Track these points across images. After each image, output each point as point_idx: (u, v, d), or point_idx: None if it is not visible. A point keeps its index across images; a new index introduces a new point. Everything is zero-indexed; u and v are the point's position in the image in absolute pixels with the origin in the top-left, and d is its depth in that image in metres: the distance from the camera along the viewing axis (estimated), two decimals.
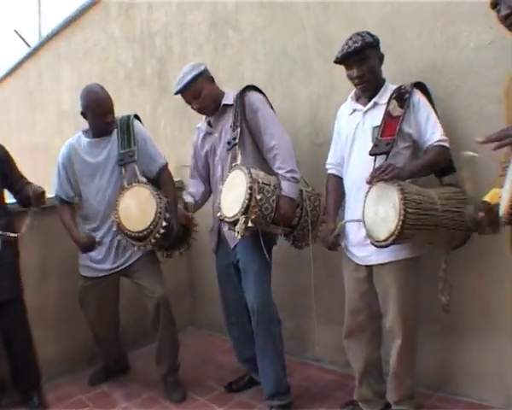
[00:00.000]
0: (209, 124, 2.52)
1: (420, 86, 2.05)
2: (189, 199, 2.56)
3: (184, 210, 2.50)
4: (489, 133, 1.85)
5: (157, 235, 2.44)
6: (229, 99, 2.44)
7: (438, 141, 1.97)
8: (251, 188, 2.11)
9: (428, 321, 2.24)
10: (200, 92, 2.37)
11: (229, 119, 2.42)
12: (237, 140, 2.30)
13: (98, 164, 2.58)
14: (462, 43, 2.07)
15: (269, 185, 2.20)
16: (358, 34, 2.02)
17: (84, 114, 2.55)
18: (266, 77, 2.79)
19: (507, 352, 2.10)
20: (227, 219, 2.21)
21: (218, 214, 2.29)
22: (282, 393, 2.37)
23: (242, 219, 2.11)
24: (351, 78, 2.08)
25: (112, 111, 2.55)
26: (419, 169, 1.95)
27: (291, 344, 2.73)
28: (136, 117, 2.68)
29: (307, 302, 2.65)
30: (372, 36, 2.02)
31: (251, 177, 2.14)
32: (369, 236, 1.95)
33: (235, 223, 2.17)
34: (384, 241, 1.87)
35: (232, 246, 2.42)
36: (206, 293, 3.39)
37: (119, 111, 2.63)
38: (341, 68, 2.11)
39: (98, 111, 2.49)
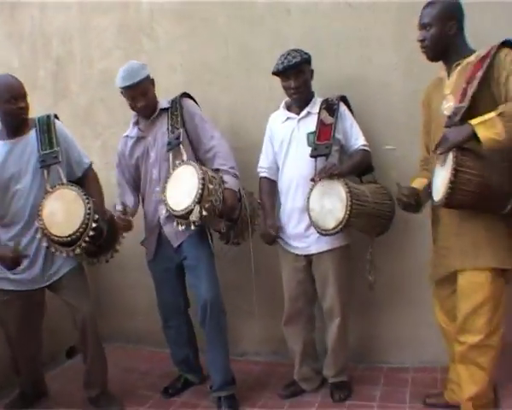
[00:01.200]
0: (139, 129, 2.56)
1: (343, 99, 2.42)
2: (118, 207, 2.54)
3: (121, 213, 2.48)
4: (399, 137, 2.35)
5: (86, 238, 2.35)
6: (163, 104, 2.55)
7: (362, 146, 2.38)
8: (203, 179, 2.26)
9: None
10: (147, 91, 2.46)
11: (163, 123, 2.53)
12: (181, 139, 2.42)
13: (18, 167, 2.42)
14: (375, 63, 2.50)
15: (215, 179, 2.36)
16: (296, 51, 2.32)
17: None
18: (184, 86, 2.89)
19: (420, 320, 2.59)
20: (177, 213, 2.31)
21: (164, 211, 2.39)
22: (230, 383, 2.53)
23: (197, 207, 2.22)
24: (287, 88, 2.36)
25: (25, 97, 2.40)
26: (350, 169, 2.33)
27: None
28: (56, 117, 2.57)
29: (231, 300, 2.82)
30: (307, 53, 2.33)
31: (201, 169, 2.29)
32: (315, 226, 2.26)
33: (185, 216, 2.27)
34: (333, 229, 2.20)
35: (176, 246, 2.50)
36: (113, 305, 3.33)
37: None
38: (261, 79, 2.41)
39: (9, 96, 2.33)
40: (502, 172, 1.82)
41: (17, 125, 2.43)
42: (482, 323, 1.91)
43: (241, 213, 2.51)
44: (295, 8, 2.66)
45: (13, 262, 2.36)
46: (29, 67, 3.46)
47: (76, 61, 3.33)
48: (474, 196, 1.80)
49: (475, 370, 1.94)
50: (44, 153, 2.43)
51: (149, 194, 2.59)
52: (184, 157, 2.42)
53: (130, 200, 2.62)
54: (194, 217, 2.25)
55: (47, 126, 2.48)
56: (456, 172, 1.76)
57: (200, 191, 2.25)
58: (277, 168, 2.52)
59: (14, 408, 2.69)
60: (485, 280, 1.90)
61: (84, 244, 2.37)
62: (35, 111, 3.29)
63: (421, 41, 2.00)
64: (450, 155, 1.80)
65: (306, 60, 2.32)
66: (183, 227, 2.33)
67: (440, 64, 2.06)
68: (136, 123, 2.61)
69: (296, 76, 2.32)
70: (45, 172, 2.42)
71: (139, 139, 2.58)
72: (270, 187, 2.53)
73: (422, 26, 1.98)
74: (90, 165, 2.63)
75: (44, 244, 2.39)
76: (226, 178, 2.43)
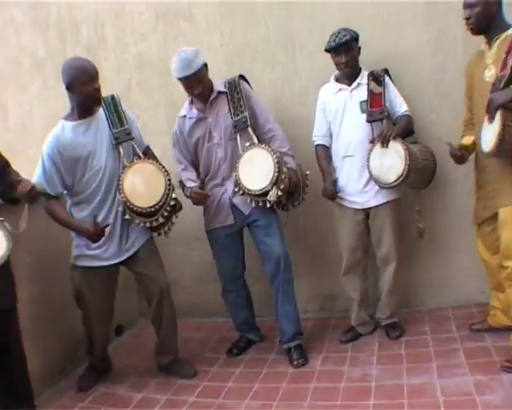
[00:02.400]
0: (198, 110, 2.84)
1: (386, 71, 2.86)
2: (192, 184, 2.84)
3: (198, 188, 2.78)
4: (427, 104, 2.80)
5: (168, 208, 2.65)
6: (220, 87, 2.84)
7: (405, 111, 2.82)
8: (278, 162, 2.60)
9: None
10: (203, 78, 2.72)
11: (223, 104, 2.81)
12: (249, 122, 2.73)
13: (92, 145, 2.63)
14: (407, 41, 2.96)
15: (284, 162, 2.70)
16: (345, 29, 2.71)
17: (69, 87, 2.54)
18: (226, 66, 3.23)
19: (453, 265, 3.06)
20: (252, 192, 2.63)
21: (236, 189, 2.70)
22: (300, 333, 2.88)
23: (274, 189, 2.57)
24: (339, 63, 2.75)
25: (98, 77, 2.59)
26: (401, 131, 2.74)
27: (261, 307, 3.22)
28: None
29: None
30: (355, 32, 2.73)
31: (275, 153, 2.63)
32: (377, 181, 2.67)
33: (261, 195, 2.61)
34: (394, 182, 2.62)
35: (247, 212, 2.81)
36: None
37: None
38: (301, 58, 2.86)
39: (86, 77, 2.51)
40: None
41: (92, 106, 2.63)
42: None
43: (298, 185, 2.85)
44: None
45: (96, 234, 2.57)
46: (57, 54, 3.63)
47: (108, 47, 3.55)
48: None
49: None
50: (117, 130, 2.67)
51: (214, 170, 2.87)
52: (255, 140, 2.73)
53: (194, 176, 2.90)
54: (272, 197, 2.60)
55: (114, 106, 2.71)
56: (504, 126, 2.21)
57: (276, 174, 2.59)
58: (330, 136, 2.91)
59: (87, 382, 2.90)
60: None
61: (165, 213, 2.65)
62: (61, 99, 3.52)
63: (467, 19, 2.43)
64: (498, 114, 2.25)
65: (355, 38, 2.72)
66: (260, 204, 2.67)
67: (469, 38, 2.52)
68: (191, 103, 2.88)
69: (346, 52, 2.71)
70: (121, 148, 2.66)
71: (200, 120, 2.84)
72: (326, 152, 2.92)
73: (468, 6, 2.41)
74: (148, 146, 2.88)
75: (127, 217, 2.63)
76: (287, 159, 2.77)
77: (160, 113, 3.44)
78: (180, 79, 2.72)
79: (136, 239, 2.74)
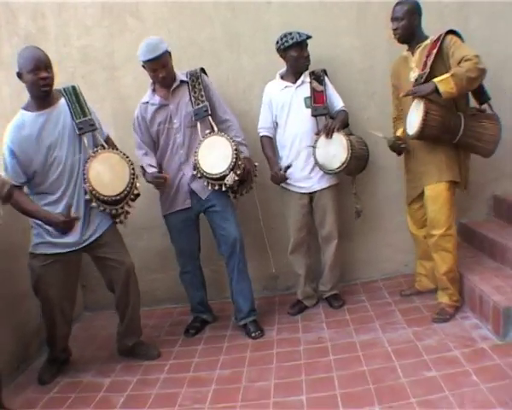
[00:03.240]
0: (161, 97, 3.08)
1: (325, 71, 3.33)
2: (153, 169, 3.07)
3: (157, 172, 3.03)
4: (357, 100, 3.32)
5: (132, 196, 2.86)
6: (182, 77, 3.11)
7: (342, 107, 3.30)
8: (236, 150, 2.94)
9: None
10: (167, 63, 2.98)
11: (184, 93, 3.09)
12: (209, 111, 3.04)
13: (52, 137, 2.72)
14: (341, 46, 3.46)
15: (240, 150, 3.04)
16: (298, 32, 3.11)
17: (19, 75, 2.63)
18: (173, 62, 3.46)
19: (380, 242, 3.62)
20: (210, 176, 2.93)
21: (195, 172, 2.98)
22: (254, 309, 3.22)
23: (231, 173, 2.90)
24: (300, 57, 3.13)
25: (51, 67, 2.68)
26: (341, 124, 3.22)
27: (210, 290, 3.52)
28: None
29: None
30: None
31: (233, 141, 2.97)
32: (322, 168, 3.12)
33: (219, 179, 2.93)
34: (337, 168, 3.09)
35: (204, 197, 3.10)
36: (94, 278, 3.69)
37: None
38: (247, 57, 3.36)
39: (32, 66, 2.59)
40: (453, 114, 2.89)
41: (42, 96, 2.69)
42: (444, 219, 2.92)
43: (249, 174, 3.20)
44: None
45: (67, 226, 2.67)
46: None
47: (50, 38, 3.61)
48: (437, 129, 2.80)
49: (444, 254, 2.96)
50: (79, 121, 2.79)
51: (172, 155, 3.12)
52: (215, 128, 3.04)
53: (154, 161, 3.13)
54: (229, 181, 2.92)
55: (75, 96, 2.83)
56: (426, 113, 2.76)
57: (234, 160, 2.91)
58: (275, 128, 3.30)
59: (48, 375, 2.96)
60: (445, 188, 2.92)
61: (130, 202, 2.85)
62: (3, 88, 3.55)
63: (395, 29, 2.97)
64: (421, 103, 2.81)
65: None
66: (216, 187, 2.97)
67: (392, 45, 3.09)
68: (154, 90, 3.12)
69: (306, 48, 3.13)
70: (84, 138, 2.81)
71: (161, 106, 3.08)
72: (271, 143, 3.31)
73: (395, 19, 2.96)
74: (108, 135, 3.04)
75: (93, 204, 2.78)
76: (242, 148, 3.10)
77: (105, 106, 3.56)
78: (145, 62, 2.94)
79: (99, 225, 2.87)
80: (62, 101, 2.81)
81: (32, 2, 3.62)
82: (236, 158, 2.93)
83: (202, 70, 3.17)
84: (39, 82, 2.62)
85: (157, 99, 3.09)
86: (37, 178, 2.75)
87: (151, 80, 3.11)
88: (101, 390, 2.79)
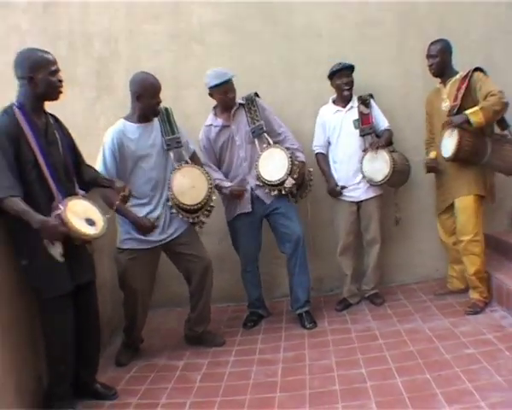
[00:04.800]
0: (224, 119, 3.83)
1: (371, 96, 4.12)
2: (228, 183, 3.82)
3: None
4: (397, 122, 4.10)
5: (208, 207, 3.54)
6: (240, 100, 3.87)
7: (387, 126, 4.08)
8: (291, 157, 3.69)
9: None
10: (234, 86, 3.74)
11: (242, 115, 3.84)
12: (264, 128, 3.80)
13: (147, 148, 3.42)
14: (382, 75, 4.27)
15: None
16: (341, 62, 3.92)
17: (138, 97, 3.36)
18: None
19: (413, 250, 4.38)
20: (271, 182, 3.68)
21: (258, 182, 3.73)
22: (309, 301, 3.93)
23: (289, 178, 3.66)
24: (341, 84, 3.93)
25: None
26: (385, 142, 4.00)
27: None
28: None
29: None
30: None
31: (288, 150, 3.72)
32: (368, 180, 3.89)
33: (279, 184, 3.68)
34: (381, 181, 3.87)
35: (268, 202, 3.83)
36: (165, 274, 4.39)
37: None
38: (300, 83, 4.10)
39: (153, 92, 3.35)
40: (481, 140, 3.68)
41: (152, 116, 3.45)
42: (472, 227, 3.66)
43: (305, 178, 3.96)
44: (325, 33, 4.29)
45: (148, 231, 3.40)
46: (67, 63, 4.33)
47: (121, 60, 4.37)
48: (468, 153, 3.57)
49: (473, 257, 3.68)
50: (168, 138, 3.50)
51: (236, 168, 3.85)
52: (270, 142, 3.79)
53: (222, 175, 3.86)
54: (288, 184, 3.67)
55: (167, 116, 3.55)
56: (460, 139, 3.56)
57: (290, 166, 3.66)
58: (327, 145, 4.08)
59: (125, 358, 3.61)
60: (472, 201, 3.67)
61: (206, 212, 3.54)
62: (70, 104, 4.27)
63: (430, 65, 3.77)
64: (455, 131, 3.59)
65: (353, 67, 3.95)
66: (276, 192, 3.71)
67: (427, 76, 3.87)
68: (215, 115, 3.87)
69: (348, 76, 3.92)
70: (171, 153, 3.52)
71: (223, 127, 3.83)
72: (325, 158, 4.10)
73: (430, 56, 3.76)
74: (195, 151, 3.76)
75: (173, 211, 3.46)
76: (298, 154, 3.86)
77: None
78: (216, 87, 3.67)
79: (179, 226, 3.55)
80: (156, 119, 3.52)
81: (107, 29, 4.38)
82: (292, 164, 3.67)
83: (256, 94, 3.92)
84: (156, 106, 3.38)
85: (219, 121, 3.83)
86: (126, 181, 3.35)
87: (214, 105, 3.85)
88: (178, 370, 3.44)
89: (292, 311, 3.99)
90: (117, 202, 3.06)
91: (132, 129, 3.42)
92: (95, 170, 3.24)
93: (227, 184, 3.81)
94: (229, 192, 3.78)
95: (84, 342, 3.01)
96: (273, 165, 3.70)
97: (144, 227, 3.39)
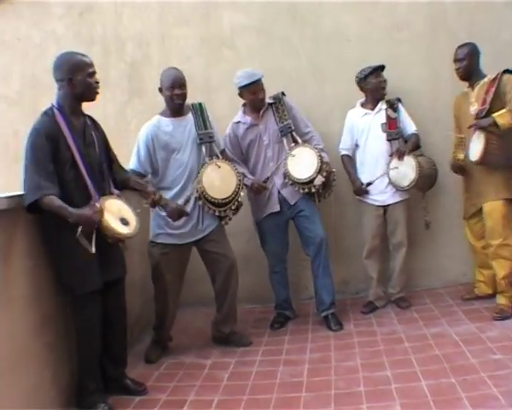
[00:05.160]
0: (252, 118, 3.91)
1: (399, 100, 4.14)
2: (251, 176, 3.89)
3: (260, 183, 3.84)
4: (425, 126, 4.11)
5: (236, 202, 3.61)
6: (268, 100, 3.94)
7: (414, 131, 4.11)
8: (320, 156, 3.75)
9: None
10: (263, 86, 3.82)
11: (270, 114, 3.92)
12: (293, 127, 3.86)
13: (181, 141, 3.55)
14: (411, 78, 4.29)
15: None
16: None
17: (160, 89, 3.52)
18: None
19: (440, 254, 4.39)
20: (300, 181, 3.72)
21: (286, 180, 3.79)
22: (334, 303, 3.98)
23: (319, 176, 3.71)
24: (379, 83, 3.99)
25: (185, 85, 3.55)
26: (412, 147, 4.02)
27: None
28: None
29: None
30: None
31: (317, 149, 3.78)
32: (394, 185, 3.92)
33: (308, 182, 3.72)
34: (407, 186, 3.89)
35: (293, 203, 3.90)
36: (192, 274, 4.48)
37: None
38: (329, 86, 4.15)
39: (174, 83, 3.46)
40: (509, 144, 3.66)
41: (176, 108, 3.55)
42: (501, 230, 3.66)
43: (329, 178, 3.98)
44: (354, 36, 4.33)
45: (178, 215, 3.45)
46: (101, 67, 4.47)
47: (153, 64, 4.49)
48: (495, 156, 3.56)
49: (502, 261, 3.68)
50: (201, 132, 3.61)
51: (263, 167, 3.92)
52: (299, 140, 3.86)
53: (247, 171, 3.92)
54: (318, 182, 3.72)
55: (200, 111, 3.67)
56: (487, 143, 3.56)
57: (319, 164, 3.72)
58: (354, 148, 4.12)
59: (155, 355, 3.70)
60: (501, 205, 3.67)
61: (233, 207, 3.61)
62: (102, 106, 4.39)
63: (457, 69, 3.78)
64: (482, 134, 3.59)
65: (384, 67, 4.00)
66: (306, 190, 3.77)
67: (455, 80, 3.87)
68: (244, 112, 3.95)
69: (381, 75, 3.98)
70: (203, 147, 3.62)
71: (252, 126, 3.91)
72: (351, 161, 4.15)
73: (458, 60, 3.77)
74: (225, 148, 3.86)
75: (200, 203, 3.55)
76: (324, 154, 3.91)
77: None
78: (246, 87, 3.76)
79: (210, 223, 3.65)
80: (190, 114, 3.64)
81: (139, 33, 4.51)
82: (321, 162, 3.73)
83: (283, 93, 3.98)
84: (173, 97, 3.49)
85: (248, 119, 3.92)
86: (161, 173, 3.55)
87: (243, 103, 3.94)
88: (205, 369, 3.52)
89: (317, 313, 4.04)
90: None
91: (166, 123, 3.56)
92: (127, 172, 3.34)
93: (250, 177, 3.88)
94: (251, 185, 3.83)
95: (111, 338, 3.11)
96: (302, 163, 3.76)
97: (171, 210, 3.43)
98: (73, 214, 2.65)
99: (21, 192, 2.69)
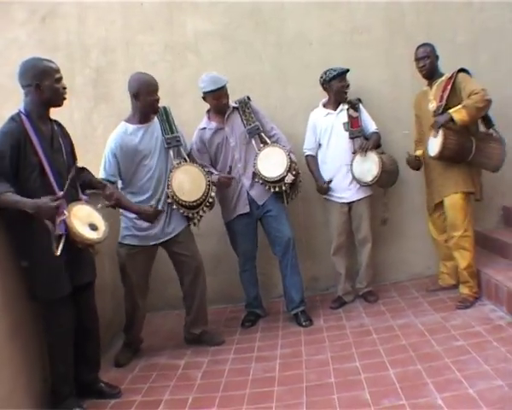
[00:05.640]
0: (217, 122, 3.98)
1: (359, 100, 4.28)
2: (215, 172, 3.94)
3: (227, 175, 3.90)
4: (386, 124, 4.26)
5: (207, 203, 3.69)
6: (233, 104, 4.02)
7: (375, 129, 4.25)
8: (289, 154, 3.86)
9: None
10: (227, 92, 3.90)
11: (236, 117, 4.00)
12: (261, 129, 3.96)
13: (149, 147, 3.58)
14: (372, 79, 4.44)
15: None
16: (337, 68, 4.09)
17: (136, 95, 3.51)
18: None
19: (405, 248, 4.54)
20: (271, 179, 3.82)
21: (256, 179, 3.88)
22: (304, 300, 4.07)
23: (289, 174, 3.81)
24: (342, 87, 4.11)
25: (158, 91, 3.58)
26: (373, 145, 4.15)
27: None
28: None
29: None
30: None
31: (286, 148, 3.89)
32: (358, 181, 4.04)
33: (278, 181, 3.82)
34: (370, 181, 4.03)
35: (261, 203, 3.99)
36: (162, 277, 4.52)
37: None
38: (293, 89, 4.27)
39: (151, 89, 3.50)
40: (466, 139, 3.83)
41: (151, 113, 3.60)
42: (461, 222, 3.81)
43: (296, 179, 4.08)
44: (315, 40, 4.46)
45: (153, 216, 3.49)
46: (64, 74, 4.48)
47: (118, 70, 4.52)
48: (453, 151, 3.73)
49: (464, 252, 3.83)
50: (168, 137, 3.66)
51: (231, 170, 3.98)
52: (268, 141, 3.95)
53: (211, 168, 3.98)
54: (288, 180, 3.82)
55: (166, 116, 3.72)
56: (445, 138, 3.71)
57: (289, 163, 3.83)
58: (317, 147, 4.24)
59: (125, 358, 3.72)
60: (460, 198, 3.82)
61: (205, 208, 3.68)
62: (67, 113, 4.41)
63: (422, 66, 3.92)
64: (440, 130, 3.75)
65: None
66: (276, 189, 3.86)
67: (415, 79, 4.06)
68: (209, 118, 4.02)
69: (346, 80, 4.10)
70: (171, 151, 3.67)
71: (217, 130, 3.98)
72: (315, 160, 4.26)
73: (421, 58, 3.92)
74: (191, 150, 3.92)
75: (173, 207, 3.61)
76: (291, 154, 4.02)
77: None
78: (210, 93, 3.83)
79: (176, 225, 3.69)
80: (155, 119, 3.68)
81: (103, 39, 4.53)
82: (291, 161, 3.84)
83: (248, 98, 4.08)
84: (155, 103, 3.54)
85: (213, 124, 3.99)
86: (130, 179, 3.58)
87: (207, 109, 4.00)
88: (179, 369, 3.56)
89: (287, 311, 4.12)
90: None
91: (134, 129, 3.58)
92: (89, 172, 3.32)
93: (215, 172, 3.94)
94: (218, 180, 3.87)
95: (84, 341, 3.12)
96: (272, 162, 3.86)
97: (148, 214, 3.48)
98: (31, 205, 2.62)
99: None
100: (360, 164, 4.06)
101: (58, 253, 2.69)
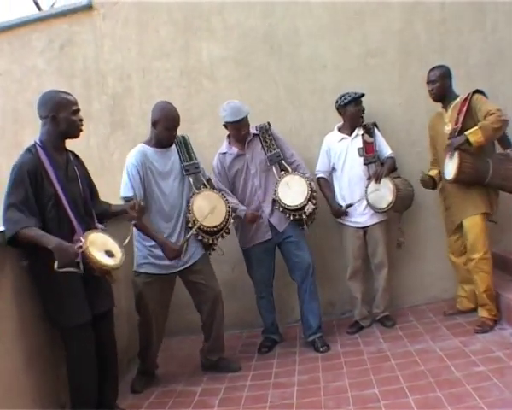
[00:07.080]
0: (238, 149, 4.03)
1: (375, 124, 4.31)
2: (243, 207, 3.98)
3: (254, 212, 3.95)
4: (400, 147, 4.29)
5: (227, 230, 3.72)
6: (254, 130, 4.07)
7: (390, 154, 4.27)
8: (310, 184, 3.90)
9: None
10: (248, 123, 3.95)
11: (256, 144, 4.05)
12: (282, 156, 4.00)
13: (166, 172, 3.62)
14: (386, 103, 4.47)
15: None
16: (354, 92, 4.13)
17: (154, 124, 3.57)
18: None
19: (421, 271, 4.52)
20: (292, 207, 3.85)
21: (277, 207, 3.91)
22: (321, 327, 4.06)
23: (309, 203, 3.84)
24: (357, 112, 4.14)
25: (178, 126, 3.63)
26: (388, 170, 4.17)
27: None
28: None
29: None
30: None
31: (306, 176, 3.91)
32: (372, 207, 4.06)
33: (299, 209, 3.85)
34: (385, 208, 4.04)
35: (281, 230, 4.01)
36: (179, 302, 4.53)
37: None
38: (307, 113, 4.30)
39: (171, 125, 3.57)
40: (483, 161, 3.83)
41: (165, 146, 3.66)
42: (481, 245, 3.80)
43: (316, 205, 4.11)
44: (329, 64, 4.51)
45: (176, 256, 3.54)
46: (82, 100, 4.57)
47: (134, 96, 4.61)
48: (469, 175, 3.73)
49: (483, 274, 3.81)
50: (187, 164, 3.72)
51: (251, 196, 4.02)
52: (289, 169, 4.00)
53: (237, 201, 4.01)
54: (309, 209, 3.85)
55: (184, 144, 3.77)
56: (461, 161, 3.72)
57: (310, 192, 3.86)
58: (332, 172, 4.27)
59: (140, 385, 3.74)
60: (480, 220, 3.82)
61: (224, 234, 3.71)
62: (85, 139, 4.48)
63: (430, 90, 3.97)
64: (456, 153, 3.76)
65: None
66: (296, 217, 3.88)
67: (429, 103, 4.06)
68: (229, 143, 4.07)
69: (360, 104, 4.14)
70: (190, 178, 3.72)
71: (238, 156, 4.03)
72: (328, 183, 4.30)
73: (431, 82, 3.94)
74: (210, 177, 3.95)
75: (193, 232, 3.61)
76: (312, 183, 4.04)
77: None
78: (231, 123, 3.88)
79: (194, 253, 3.71)
80: (174, 146, 3.73)
81: (120, 66, 4.63)
82: (311, 190, 3.88)
83: (268, 124, 4.12)
84: (171, 138, 3.61)
85: (234, 150, 4.04)
86: (147, 199, 3.55)
87: (228, 134, 4.06)
88: (196, 396, 3.58)
89: (304, 338, 4.12)
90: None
91: (151, 152, 3.61)
92: (107, 203, 3.38)
93: (242, 208, 3.98)
94: (245, 216, 3.92)
95: (103, 369, 3.13)
96: (293, 190, 3.90)
97: (172, 251, 3.51)
98: (53, 242, 2.67)
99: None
100: (374, 191, 4.09)
101: (82, 270, 2.75)
